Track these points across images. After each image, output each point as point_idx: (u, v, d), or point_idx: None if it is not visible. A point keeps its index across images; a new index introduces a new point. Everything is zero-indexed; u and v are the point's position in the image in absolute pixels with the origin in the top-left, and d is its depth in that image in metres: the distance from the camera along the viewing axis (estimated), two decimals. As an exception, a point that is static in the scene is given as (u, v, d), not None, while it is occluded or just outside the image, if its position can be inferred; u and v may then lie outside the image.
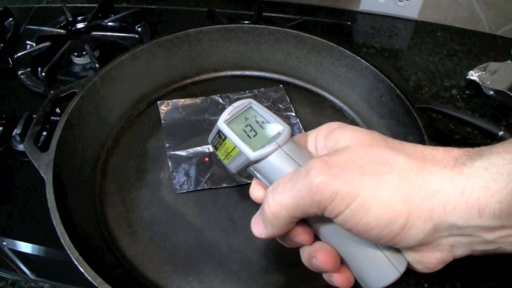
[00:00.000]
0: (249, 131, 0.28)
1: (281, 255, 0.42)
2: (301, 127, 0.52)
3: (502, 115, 0.60)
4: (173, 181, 0.47)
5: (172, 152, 0.49)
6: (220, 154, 0.31)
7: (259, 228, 0.28)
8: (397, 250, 0.25)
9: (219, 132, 0.30)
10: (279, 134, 0.28)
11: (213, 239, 0.43)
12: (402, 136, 0.48)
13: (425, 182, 0.22)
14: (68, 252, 0.35)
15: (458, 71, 0.66)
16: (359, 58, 0.52)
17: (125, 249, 0.42)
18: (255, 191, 0.30)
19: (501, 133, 0.55)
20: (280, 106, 0.55)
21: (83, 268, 0.34)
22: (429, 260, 0.24)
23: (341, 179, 0.23)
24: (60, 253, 0.43)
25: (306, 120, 0.54)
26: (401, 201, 0.22)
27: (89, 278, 0.33)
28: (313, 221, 0.28)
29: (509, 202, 0.21)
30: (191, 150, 0.50)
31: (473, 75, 0.63)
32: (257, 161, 0.28)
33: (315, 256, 0.27)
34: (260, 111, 0.30)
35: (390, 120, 0.50)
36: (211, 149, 0.50)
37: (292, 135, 0.29)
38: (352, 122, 0.55)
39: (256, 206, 0.30)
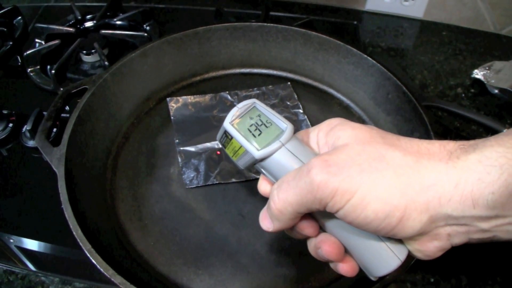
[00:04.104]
0: (254, 130, 0.30)
1: (290, 248, 0.42)
2: (309, 123, 0.53)
3: (506, 113, 0.60)
4: (183, 176, 0.47)
5: (181, 148, 0.50)
6: (229, 152, 0.32)
7: (267, 222, 0.30)
8: (398, 240, 0.26)
9: (226, 132, 0.31)
10: (282, 132, 0.29)
11: (222, 233, 0.44)
12: (409, 133, 0.48)
13: (421, 176, 0.24)
14: (81, 244, 0.35)
15: (463, 70, 0.67)
16: (366, 56, 0.52)
17: (135, 242, 0.43)
18: (263, 187, 0.32)
19: (505, 131, 0.56)
20: (288, 103, 0.55)
21: (95, 260, 0.34)
22: (428, 248, 0.25)
23: (340, 177, 0.24)
24: (69, 250, 0.44)
25: (314, 117, 0.54)
26: (397, 195, 0.23)
27: (101, 269, 0.34)
28: (317, 215, 0.29)
29: (502, 193, 0.22)
30: (200, 146, 0.50)
31: (478, 74, 0.64)
32: (262, 159, 0.29)
33: (320, 247, 0.28)
34: (264, 110, 0.31)
35: (396, 117, 0.51)
36: (220, 146, 0.50)
37: (295, 131, 0.30)
38: (359, 119, 0.55)
39: (264, 201, 0.31)
